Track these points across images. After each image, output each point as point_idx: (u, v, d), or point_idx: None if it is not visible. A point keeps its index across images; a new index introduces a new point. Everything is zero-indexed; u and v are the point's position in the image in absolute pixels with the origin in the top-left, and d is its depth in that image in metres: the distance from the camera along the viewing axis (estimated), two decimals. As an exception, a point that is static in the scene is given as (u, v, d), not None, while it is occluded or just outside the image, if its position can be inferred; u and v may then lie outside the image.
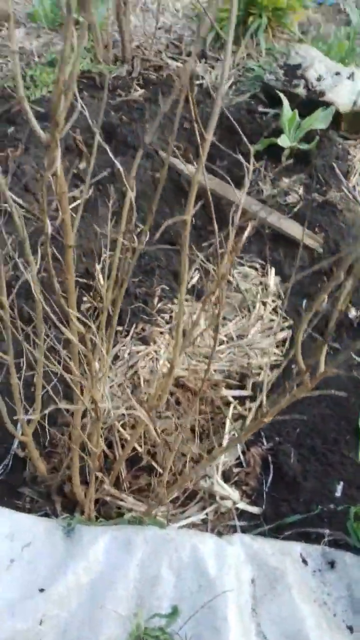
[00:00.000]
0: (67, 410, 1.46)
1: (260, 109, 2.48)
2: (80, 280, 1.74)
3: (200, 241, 2.01)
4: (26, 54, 3.10)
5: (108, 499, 1.31)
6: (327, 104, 2.30)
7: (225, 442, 1.47)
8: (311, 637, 1.07)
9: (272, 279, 1.82)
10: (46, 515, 1.31)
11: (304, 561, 1.19)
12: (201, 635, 1.07)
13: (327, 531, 1.24)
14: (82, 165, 2.18)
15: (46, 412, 0.96)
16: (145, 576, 1.13)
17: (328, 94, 2.34)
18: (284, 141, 2.17)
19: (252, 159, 0.99)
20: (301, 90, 2.41)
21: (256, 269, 1.86)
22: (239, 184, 2.08)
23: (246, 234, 0.96)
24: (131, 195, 0.94)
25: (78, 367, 1.02)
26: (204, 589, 1.11)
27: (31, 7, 3.54)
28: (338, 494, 1.30)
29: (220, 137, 2.28)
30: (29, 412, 1.41)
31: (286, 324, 1.71)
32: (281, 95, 2.28)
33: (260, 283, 1.80)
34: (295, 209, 2.00)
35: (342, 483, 1.35)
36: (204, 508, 1.33)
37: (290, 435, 1.44)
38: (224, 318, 1.75)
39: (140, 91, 2.61)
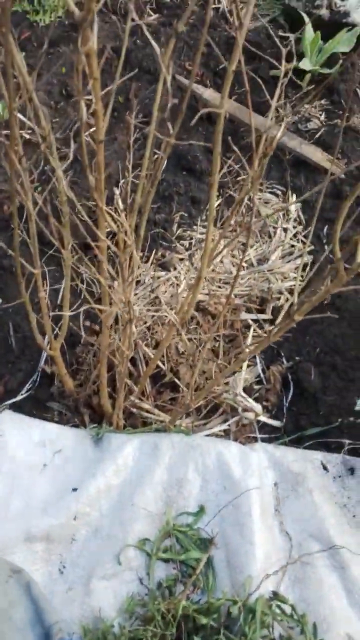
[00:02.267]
0: (94, 321, 1.49)
1: (281, 33, 2.38)
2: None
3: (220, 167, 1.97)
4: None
5: (134, 410, 1.35)
6: (352, 25, 2.20)
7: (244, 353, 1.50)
8: (332, 534, 1.12)
9: (293, 205, 1.79)
10: (75, 427, 1.35)
11: (325, 468, 1.24)
12: (226, 530, 1.12)
13: (347, 441, 1.28)
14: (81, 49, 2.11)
15: (80, 310, 0.97)
16: (173, 479, 1.18)
17: (352, 14, 2.23)
18: (305, 64, 2.08)
19: (280, 85, 0.95)
20: (324, 12, 2.30)
21: (277, 195, 1.83)
22: (258, 110, 2.03)
23: (268, 150, 0.94)
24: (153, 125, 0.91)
25: (107, 269, 1.03)
26: (229, 491, 1.16)
27: None
28: (358, 407, 1.33)
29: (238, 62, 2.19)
30: (57, 327, 1.44)
31: (306, 249, 1.70)
32: (304, 15, 2.17)
33: (282, 209, 1.78)
34: (317, 135, 1.95)
35: (361, 398, 1.38)
36: (226, 420, 1.38)
37: (310, 354, 1.46)
38: (244, 244, 1.74)
39: (154, 15, 2.49)
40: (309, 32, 2.14)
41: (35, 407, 1.39)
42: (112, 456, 1.20)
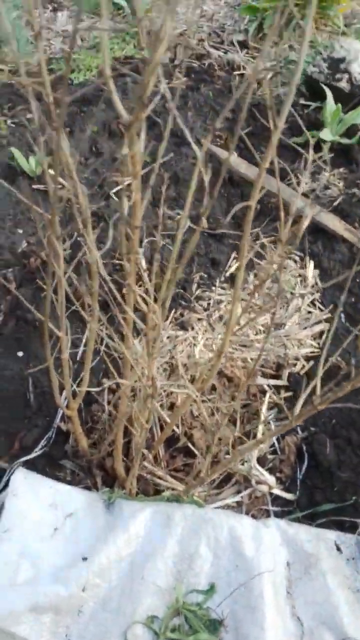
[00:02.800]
0: (116, 387, 1.50)
1: (302, 101, 2.48)
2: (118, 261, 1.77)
3: (239, 230, 2.02)
4: (69, 37, 3.11)
5: (147, 476, 1.35)
6: (371, 99, 2.29)
7: (260, 429, 1.50)
8: (345, 623, 1.10)
9: (311, 272, 1.83)
10: (87, 488, 1.35)
11: (338, 549, 1.22)
12: (237, 612, 1.10)
13: (361, 521, 1.27)
14: (125, 151, 2.19)
15: (104, 386, 0.98)
16: (184, 553, 1.17)
17: (372, 88, 2.33)
18: (326, 135, 2.16)
19: (310, 152, 1.00)
20: (344, 84, 2.40)
21: (295, 261, 1.87)
22: (279, 175, 2.09)
23: (304, 227, 0.98)
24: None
25: (132, 342, 1.05)
26: (240, 569, 1.14)
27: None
28: (373, 485, 1.32)
29: (262, 127, 2.28)
30: (76, 386, 1.45)
31: (323, 316, 1.72)
32: (325, 88, 2.27)
33: (299, 275, 1.81)
34: (336, 203, 2.01)
35: (376, 475, 1.37)
36: (239, 491, 1.36)
37: (326, 426, 1.46)
38: (261, 307, 1.76)
39: (183, 79, 2.61)
40: (330, 103, 2.23)
41: (48, 465, 1.39)
42: (123, 524, 1.19)
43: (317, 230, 1.94)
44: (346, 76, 2.42)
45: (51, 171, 0.83)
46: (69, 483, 1.37)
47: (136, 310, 0.98)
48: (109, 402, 1.48)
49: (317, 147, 2.25)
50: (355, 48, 2.58)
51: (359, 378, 0.83)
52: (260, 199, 2.11)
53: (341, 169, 2.19)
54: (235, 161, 2.10)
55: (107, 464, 1.36)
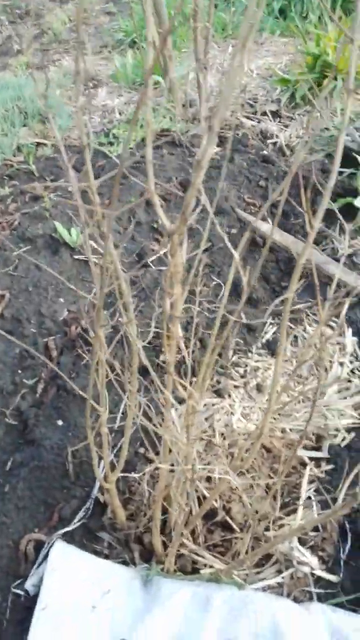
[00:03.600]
0: (153, 462, 1.51)
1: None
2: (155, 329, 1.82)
3: (273, 296, 2.05)
4: (108, 112, 3.33)
5: (185, 552, 1.33)
6: None
7: (301, 505, 1.46)
8: None
9: (350, 339, 1.82)
10: (124, 562, 1.33)
11: (386, 639, 1.15)
12: None
13: None
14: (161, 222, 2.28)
15: (144, 472, 1.00)
16: (224, 636, 1.13)
17: None
18: (359, 202, 2.21)
19: (347, 236, 1.02)
20: (376, 152, 2.46)
21: (332, 328, 1.87)
22: (313, 242, 2.13)
23: (346, 306, 0.99)
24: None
25: (171, 422, 1.07)
26: (284, 660, 1.09)
27: (113, 68, 3.82)
28: None
29: (295, 194, 2.35)
30: (114, 457, 1.46)
31: (363, 386, 1.70)
32: (358, 157, 2.33)
33: (337, 343, 1.81)
34: (372, 269, 2.02)
35: None
36: (279, 571, 1.32)
37: (369, 503, 1.41)
38: (300, 376, 1.76)
39: (217, 149, 2.73)
40: (362, 175, 2.28)
41: (86, 537, 1.39)
42: (161, 606, 1.17)
43: (355, 295, 1.94)
44: (378, 144, 2.48)
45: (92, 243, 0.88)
46: (107, 556, 1.36)
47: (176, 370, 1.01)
48: (148, 475, 1.48)
49: (354, 213, 2.29)
50: (386, 120, 2.66)
51: None
52: (291, 259, 2.14)
53: (376, 234, 2.21)
54: (269, 230, 2.15)
55: (144, 539, 1.35)
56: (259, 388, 1.74)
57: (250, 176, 2.44)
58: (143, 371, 1.66)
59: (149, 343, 1.75)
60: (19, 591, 1.25)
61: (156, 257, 2.15)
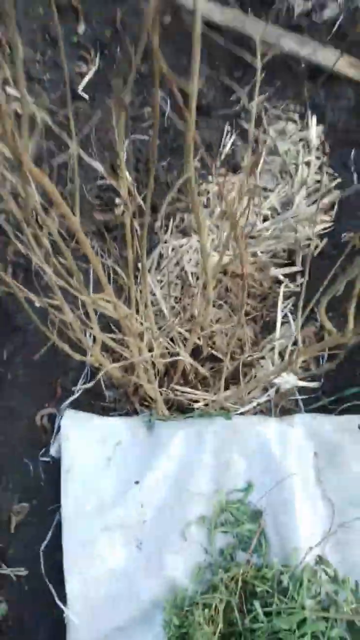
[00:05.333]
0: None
1: None
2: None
3: (227, 95, 1.78)
4: None
5: (179, 393, 1.46)
6: None
7: (279, 321, 1.51)
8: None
9: (314, 131, 1.62)
10: (128, 414, 1.49)
11: (362, 431, 1.30)
12: (272, 504, 1.26)
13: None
14: (82, 29, 1.90)
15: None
16: (220, 462, 1.31)
17: None
18: None
19: None
20: None
21: (294, 121, 1.65)
22: (259, 15, 1.74)
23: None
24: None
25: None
26: (271, 470, 1.27)
27: None
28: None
29: None
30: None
31: (333, 183, 1.57)
32: None
33: (301, 140, 1.62)
34: (335, 28, 1.67)
35: None
36: (266, 389, 1.45)
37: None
38: (265, 189, 1.63)
39: None
40: None
41: (93, 398, 1.53)
42: (163, 448, 1.34)
43: (316, 73, 1.66)
44: None
45: None
46: (114, 409, 1.53)
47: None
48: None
49: None
50: None
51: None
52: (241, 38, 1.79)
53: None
54: (208, 6, 1.76)
55: (140, 392, 1.48)
56: (224, 216, 1.65)
57: None
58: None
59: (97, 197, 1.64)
60: (46, 459, 1.46)
61: (88, 82, 1.86)
